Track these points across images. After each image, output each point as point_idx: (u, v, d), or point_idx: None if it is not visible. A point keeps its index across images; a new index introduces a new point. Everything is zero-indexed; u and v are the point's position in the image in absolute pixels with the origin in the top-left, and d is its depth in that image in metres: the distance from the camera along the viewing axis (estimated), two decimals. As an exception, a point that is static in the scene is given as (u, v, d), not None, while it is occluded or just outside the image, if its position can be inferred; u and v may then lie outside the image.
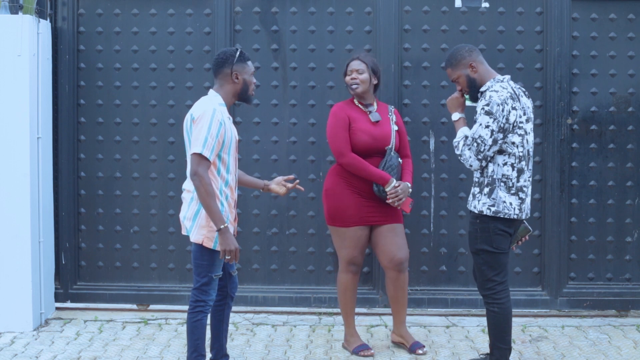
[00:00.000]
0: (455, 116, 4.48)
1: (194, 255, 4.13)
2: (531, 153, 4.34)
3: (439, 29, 5.66)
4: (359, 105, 4.91)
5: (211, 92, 4.19)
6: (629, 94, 5.67)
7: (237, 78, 4.17)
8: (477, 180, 4.36)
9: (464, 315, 5.70)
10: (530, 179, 4.35)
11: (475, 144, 4.23)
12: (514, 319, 4.54)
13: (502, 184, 4.25)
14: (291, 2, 5.70)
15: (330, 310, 5.73)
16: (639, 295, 5.70)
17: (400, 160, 4.88)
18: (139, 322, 5.55)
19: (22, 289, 5.29)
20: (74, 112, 5.73)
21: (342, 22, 5.69)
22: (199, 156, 3.96)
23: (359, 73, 4.84)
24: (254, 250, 5.77)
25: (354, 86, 4.84)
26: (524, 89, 4.43)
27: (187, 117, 4.10)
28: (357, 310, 5.65)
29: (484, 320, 4.83)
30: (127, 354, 4.92)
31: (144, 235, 5.79)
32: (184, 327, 5.29)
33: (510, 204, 4.25)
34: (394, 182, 4.75)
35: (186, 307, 4.83)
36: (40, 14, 5.46)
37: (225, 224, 3.97)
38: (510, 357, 4.40)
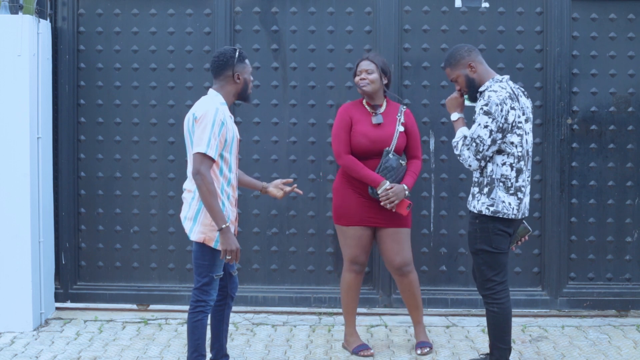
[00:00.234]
0: (454, 116, 4.48)
1: (195, 255, 4.13)
2: (530, 153, 4.34)
3: (439, 29, 5.66)
4: (367, 106, 4.90)
5: (211, 91, 4.20)
6: (629, 94, 5.67)
7: (239, 78, 4.18)
8: (476, 180, 4.36)
9: (464, 315, 5.70)
10: (529, 179, 4.35)
11: (474, 144, 4.23)
12: (514, 319, 4.53)
13: (501, 184, 4.25)
14: (291, 2, 5.70)
15: (330, 310, 5.73)
16: (639, 295, 5.70)
17: (403, 162, 4.83)
18: (139, 322, 5.55)
19: (22, 289, 5.30)
20: (74, 112, 5.73)
21: (342, 22, 5.69)
22: (202, 155, 3.97)
23: (368, 73, 4.82)
24: (254, 250, 5.77)
25: (363, 86, 4.83)
26: (523, 89, 4.42)
27: (189, 116, 4.10)
28: (357, 310, 5.67)
29: (484, 320, 4.83)
30: (127, 354, 4.92)
31: (144, 235, 5.79)
32: (184, 327, 5.29)
33: (509, 204, 4.25)
34: (386, 185, 4.73)
35: (186, 307, 4.84)
36: (40, 14, 5.46)
37: (227, 224, 3.97)
38: (510, 357, 4.40)
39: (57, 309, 5.74)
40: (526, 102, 4.35)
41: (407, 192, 4.76)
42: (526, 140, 4.29)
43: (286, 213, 5.76)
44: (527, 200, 4.35)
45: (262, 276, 5.80)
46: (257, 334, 5.33)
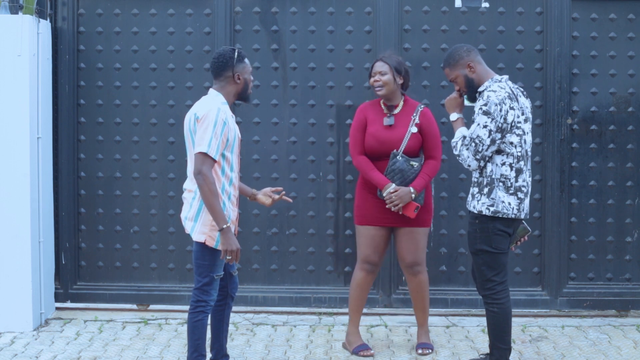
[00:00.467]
0: (454, 116, 4.47)
1: (196, 255, 4.13)
2: (529, 153, 4.33)
3: (439, 29, 5.66)
4: (383, 106, 4.89)
5: (212, 91, 4.20)
6: (629, 94, 5.67)
7: (239, 79, 4.19)
8: (475, 180, 4.35)
9: (464, 315, 5.70)
10: (529, 178, 4.35)
11: (473, 144, 4.23)
12: (514, 319, 4.53)
13: (501, 184, 4.25)
14: (291, 2, 5.70)
15: (330, 310, 5.73)
16: (639, 295, 5.70)
17: (415, 164, 4.76)
18: (139, 322, 5.55)
19: (22, 289, 5.30)
20: (74, 112, 5.73)
21: (342, 22, 5.69)
22: (204, 155, 3.97)
23: (381, 75, 4.80)
24: (254, 250, 5.77)
25: (377, 89, 4.82)
26: (522, 89, 4.42)
27: (190, 116, 4.10)
28: (357, 310, 5.68)
29: (484, 320, 4.82)
30: (127, 354, 4.92)
31: (144, 235, 5.79)
32: (184, 327, 5.29)
33: (509, 203, 4.25)
34: (390, 188, 4.72)
35: (186, 307, 4.84)
36: (40, 14, 5.46)
37: (228, 224, 3.98)
38: (510, 357, 4.40)
39: (57, 309, 5.74)
40: (525, 102, 4.34)
41: (413, 195, 4.72)
42: (525, 140, 4.29)
43: (286, 213, 5.76)
44: (527, 200, 4.35)
45: (262, 276, 5.80)
46: (257, 334, 5.33)
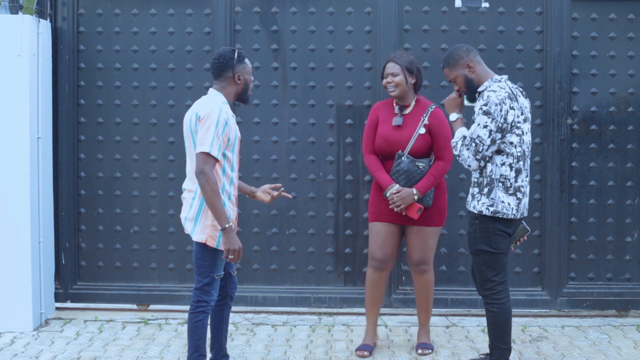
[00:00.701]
0: (453, 116, 4.47)
1: (196, 256, 4.13)
2: (527, 153, 4.33)
3: (439, 29, 5.66)
4: (395, 106, 4.90)
5: (212, 91, 4.19)
6: (629, 94, 5.67)
7: (239, 79, 4.19)
8: (475, 180, 4.35)
9: (464, 315, 5.70)
10: (528, 178, 4.35)
11: (473, 144, 4.23)
12: (514, 319, 4.53)
13: (501, 184, 4.25)
14: (291, 2, 5.70)
15: (330, 310, 5.73)
16: (639, 295, 5.70)
17: (421, 165, 4.75)
18: (139, 322, 5.55)
19: (22, 289, 5.30)
20: (74, 112, 5.73)
21: (342, 22, 5.69)
22: (206, 155, 3.97)
23: (394, 76, 4.80)
24: (254, 250, 5.77)
25: (390, 90, 4.83)
26: (521, 89, 4.42)
27: (191, 116, 4.09)
28: (357, 310, 5.68)
29: (484, 320, 4.83)
30: (127, 354, 4.92)
31: (144, 235, 5.79)
32: (184, 327, 5.29)
33: (509, 204, 4.25)
34: (393, 189, 4.73)
35: (186, 307, 4.84)
36: (40, 14, 5.46)
37: (230, 224, 3.98)
38: (510, 357, 4.40)
39: (57, 309, 5.74)
40: (524, 102, 4.34)
41: (416, 197, 4.71)
42: (523, 140, 4.28)
43: (286, 213, 5.76)
44: (526, 200, 4.35)
45: (262, 276, 5.80)
46: (257, 334, 5.33)
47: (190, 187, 4.14)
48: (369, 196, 5.03)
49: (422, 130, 4.78)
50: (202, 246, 4.09)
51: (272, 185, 4.52)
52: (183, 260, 5.77)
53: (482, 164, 4.27)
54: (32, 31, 5.29)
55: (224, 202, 4.06)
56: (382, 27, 5.63)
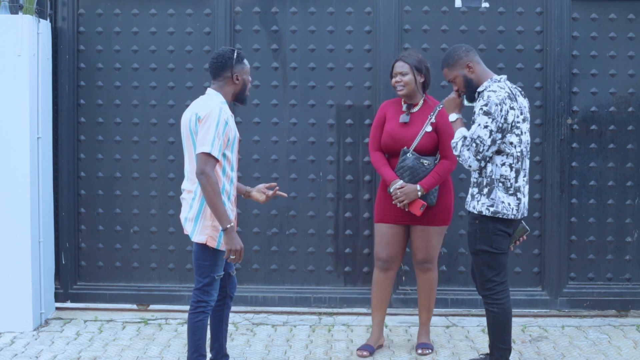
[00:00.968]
0: (453, 117, 4.47)
1: (196, 256, 4.13)
2: (525, 153, 4.33)
3: (439, 29, 5.66)
4: (403, 104, 4.92)
5: (211, 91, 4.19)
6: (629, 94, 5.67)
7: (238, 79, 4.19)
8: (475, 180, 4.35)
9: (464, 315, 5.70)
10: (526, 178, 4.34)
11: (474, 145, 4.23)
12: (514, 319, 4.53)
13: (501, 184, 4.25)
14: (291, 2, 5.70)
15: (330, 310, 5.73)
16: (639, 295, 5.70)
17: (426, 162, 4.76)
18: (139, 322, 5.55)
19: (22, 289, 5.30)
20: (74, 112, 5.73)
21: (342, 22, 5.69)
22: (207, 155, 3.96)
23: (402, 75, 4.81)
24: (254, 250, 5.77)
25: (398, 89, 4.84)
26: (520, 89, 4.42)
27: (190, 116, 4.08)
28: (357, 310, 5.69)
29: (484, 320, 4.83)
30: (127, 354, 4.92)
31: (144, 235, 5.79)
32: (184, 327, 5.29)
33: (509, 204, 4.25)
34: (396, 185, 4.74)
35: (186, 307, 4.84)
36: (40, 14, 5.46)
37: (231, 224, 3.97)
38: (510, 357, 4.40)
39: (57, 309, 5.74)
40: (523, 102, 4.34)
41: (419, 193, 4.72)
42: (522, 140, 4.28)
43: (286, 213, 5.76)
44: (526, 200, 4.35)
45: (262, 276, 5.80)
46: (257, 334, 5.33)
47: (190, 187, 4.14)
48: (376, 197, 5.04)
49: (429, 128, 4.79)
50: (203, 247, 4.09)
51: (268, 185, 4.52)
52: (183, 260, 5.77)
53: (483, 164, 4.27)
54: (32, 31, 5.29)
55: (224, 202, 4.06)
56: (382, 27, 5.63)
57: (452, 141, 4.40)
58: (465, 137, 4.29)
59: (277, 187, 4.51)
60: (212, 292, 4.13)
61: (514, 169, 4.25)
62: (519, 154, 4.26)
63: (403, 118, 4.84)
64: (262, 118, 5.74)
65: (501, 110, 4.17)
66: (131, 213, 5.78)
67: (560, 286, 5.70)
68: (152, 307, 5.79)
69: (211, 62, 4.19)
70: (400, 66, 4.84)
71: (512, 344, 4.62)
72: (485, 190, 4.28)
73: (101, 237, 5.80)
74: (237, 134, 4.23)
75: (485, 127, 4.17)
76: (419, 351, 4.91)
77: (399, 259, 4.95)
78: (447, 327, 5.49)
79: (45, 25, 5.50)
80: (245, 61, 4.23)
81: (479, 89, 4.32)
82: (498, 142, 4.21)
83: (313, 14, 5.69)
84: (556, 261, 5.67)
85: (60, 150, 5.72)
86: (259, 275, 5.80)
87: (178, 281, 5.80)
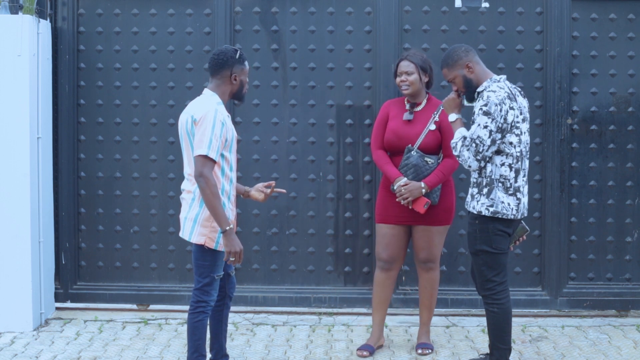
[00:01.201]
0: (452, 117, 4.47)
1: (195, 256, 4.13)
2: (524, 153, 4.33)
3: (439, 29, 5.66)
4: (407, 103, 4.92)
5: (207, 91, 4.19)
6: (629, 94, 5.67)
7: (235, 79, 4.18)
8: (475, 180, 4.35)
9: (464, 315, 5.70)
10: (526, 178, 4.34)
11: (474, 145, 4.23)
12: (514, 319, 4.53)
13: (500, 184, 4.25)
14: (291, 2, 5.70)
15: (330, 310, 5.73)
16: (639, 295, 5.70)
17: (430, 161, 4.77)
18: (139, 322, 5.55)
19: (22, 289, 5.30)
20: (74, 112, 5.73)
21: (342, 22, 5.69)
22: (204, 157, 3.96)
23: (408, 74, 4.82)
24: (254, 250, 5.77)
25: (404, 89, 4.84)
26: (519, 89, 4.42)
27: (187, 118, 4.08)
28: (357, 310, 5.69)
29: (484, 320, 4.83)
30: (127, 354, 4.92)
31: (144, 235, 5.79)
32: (184, 327, 5.29)
33: (509, 204, 4.25)
34: (401, 182, 4.74)
35: (186, 307, 4.84)
36: (40, 14, 5.46)
37: (231, 226, 3.97)
38: (510, 357, 4.40)
39: (57, 309, 5.74)
40: (523, 102, 4.34)
41: (423, 191, 4.72)
42: (521, 140, 4.28)
43: (286, 213, 5.76)
44: (525, 200, 4.35)
45: (262, 276, 5.80)
46: (257, 334, 5.33)
47: (189, 187, 4.14)
48: (377, 197, 5.04)
49: (433, 127, 4.81)
50: (202, 247, 4.09)
51: (266, 184, 4.52)
52: (183, 260, 5.77)
53: (483, 164, 4.27)
54: (32, 31, 5.29)
55: (224, 203, 4.05)
56: (382, 27, 5.63)
57: (452, 141, 4.40)
58: (464, 137, 4.29)
59: (274, 184, 4.51)
60: (212, 292, 4.13)
61: (513, 169, 4.25)
62: (518, 154, 4.26)
63: (407, 116, 4.86)
64: (262, 118, 5.74)
65: (501, 111, 4.17)
66: (131, 213, 5.79)
67: (560, 286, 5.69)
68: (152, 307, 5.79)
69: (212, 58, 4.19)
70: (406, 65, 4.84)
71: (512, 344, 4.62)
72: (485, 191, 4.28)
73: (101, 237, 5.80)
74: (235, 134, 4.23)
75: (485, 127, 4.17)
76: (419, 351, 4.91)
77: (401, 259, 4.96)
78: (447, 327, 5.49)
79: (45, 25, 5.50)
80: (246, 63, 4.23)
81: (479, 89, 4.32)
82: (498, 142, 4.21)
83: (313, 14, 5.70)
84: (556, 261, 5.67)
85: (60, 150, 5.72)
86: (259, 275, 5.80)
87: (178, 281, 5.80)
